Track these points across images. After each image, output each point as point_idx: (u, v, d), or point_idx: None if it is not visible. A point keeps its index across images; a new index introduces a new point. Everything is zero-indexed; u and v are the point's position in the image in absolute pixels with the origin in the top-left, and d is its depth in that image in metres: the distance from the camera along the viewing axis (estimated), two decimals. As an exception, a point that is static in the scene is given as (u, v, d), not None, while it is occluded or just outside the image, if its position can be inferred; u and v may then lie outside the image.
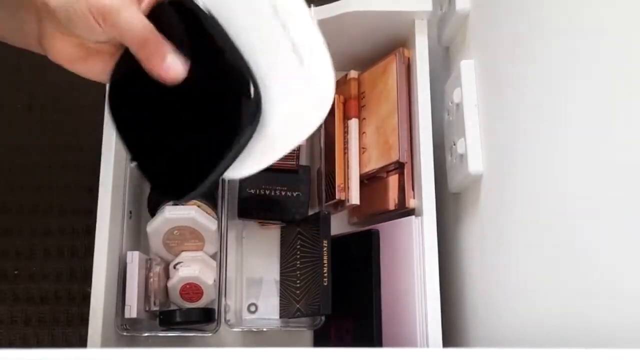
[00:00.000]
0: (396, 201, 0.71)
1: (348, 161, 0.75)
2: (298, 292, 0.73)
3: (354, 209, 0.77)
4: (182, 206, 0.71)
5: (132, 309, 0.67)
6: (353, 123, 0.76)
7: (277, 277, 0.79)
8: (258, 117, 0.39)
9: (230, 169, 0.40)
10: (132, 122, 0.44)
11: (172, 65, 0.41)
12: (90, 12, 0.41)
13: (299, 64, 0.39)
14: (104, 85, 0.61)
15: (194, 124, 0.42)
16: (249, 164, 0.40)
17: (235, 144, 0.39)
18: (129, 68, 0.43)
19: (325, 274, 0.66)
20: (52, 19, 0.44)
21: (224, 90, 0.41)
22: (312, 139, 0.81)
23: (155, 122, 0.44)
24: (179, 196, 0.43)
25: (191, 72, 0.41)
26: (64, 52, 0.46)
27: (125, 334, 0.68)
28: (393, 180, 0.72)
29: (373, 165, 0.73)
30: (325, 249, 0.67)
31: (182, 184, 0.42)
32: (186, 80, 0.41)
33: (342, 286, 0.69)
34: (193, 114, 0.42)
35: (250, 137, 0.39)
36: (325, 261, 0.66)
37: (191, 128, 0.42)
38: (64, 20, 0.42)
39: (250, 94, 0.39)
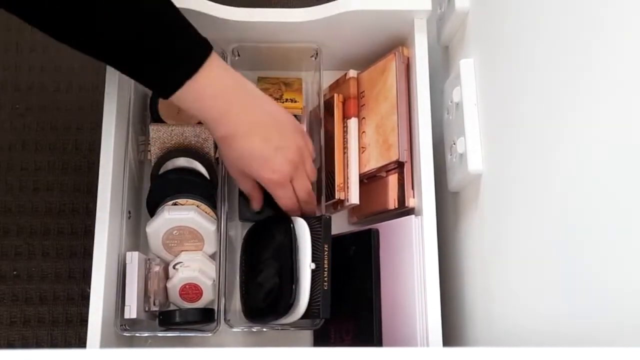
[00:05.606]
0: (396, 200, 0.71)
1: (347, 161, 0.75)
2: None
3: (354, 208, 0.77)
4: (181, 206, 0.71)
5: (131, 309, 0.67)
6: (352, 122, 0.76)
7: (277, 277, 0.79)
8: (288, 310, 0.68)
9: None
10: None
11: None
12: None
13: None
14: (102, 86, 0.70)
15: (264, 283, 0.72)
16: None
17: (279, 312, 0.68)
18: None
19: (326, 278, 0.66)
20: None
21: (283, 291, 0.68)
22: (312, 138, 0.80)
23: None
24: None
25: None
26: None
27: (124, 334, 0.68)
28: (393, 179, 0.72)
29: (373, 164, 0.73)
30: (326, 253, 0.67)
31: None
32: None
33: (341, 286, 0.69)
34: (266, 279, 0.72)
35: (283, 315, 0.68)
36: (325, 265, 0.66)
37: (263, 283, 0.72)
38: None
39: (291, 303, 0.67)
